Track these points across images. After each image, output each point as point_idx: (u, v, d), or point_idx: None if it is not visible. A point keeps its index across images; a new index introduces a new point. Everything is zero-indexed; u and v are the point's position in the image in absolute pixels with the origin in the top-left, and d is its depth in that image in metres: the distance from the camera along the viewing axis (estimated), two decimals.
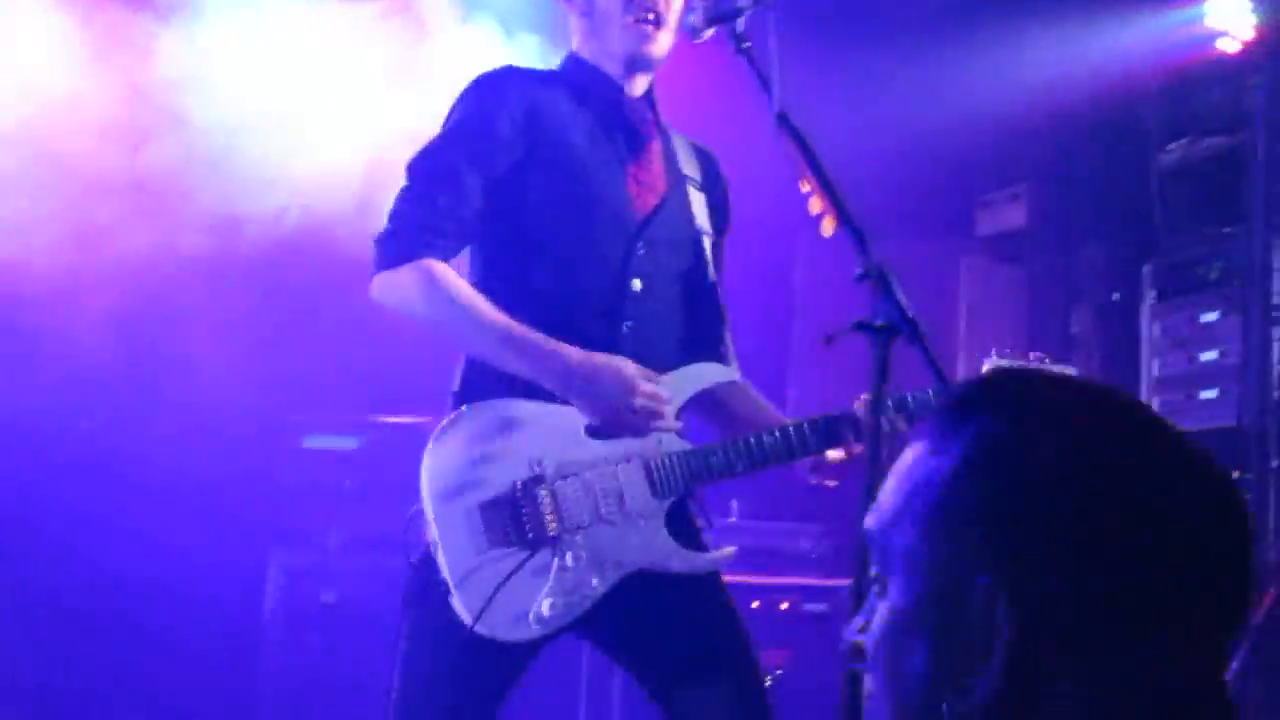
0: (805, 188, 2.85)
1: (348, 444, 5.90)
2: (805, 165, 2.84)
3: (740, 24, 3.05)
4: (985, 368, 3.29)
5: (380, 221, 3.22)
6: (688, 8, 3.22)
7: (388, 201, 3.23)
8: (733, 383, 3.34)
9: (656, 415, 3.06)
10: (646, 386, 3.05)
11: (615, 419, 3.04)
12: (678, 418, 3.15)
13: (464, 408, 3.12)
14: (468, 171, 3.15)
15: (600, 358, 3.05)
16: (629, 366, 3.06)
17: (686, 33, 3.21)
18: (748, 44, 3.02)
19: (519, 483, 3.02)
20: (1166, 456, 1.22)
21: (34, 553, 5.90)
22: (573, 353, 3.04)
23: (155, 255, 5.92)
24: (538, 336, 3.05)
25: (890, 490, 1.29)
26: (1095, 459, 1.20)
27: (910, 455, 1.29)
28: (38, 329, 5.85)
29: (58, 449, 5.94)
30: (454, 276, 3.12)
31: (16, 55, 5.89)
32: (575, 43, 3.37)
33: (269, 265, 6.06)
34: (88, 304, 5.84)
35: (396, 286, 3.12)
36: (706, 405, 3.32)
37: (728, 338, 3.38)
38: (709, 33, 3.20)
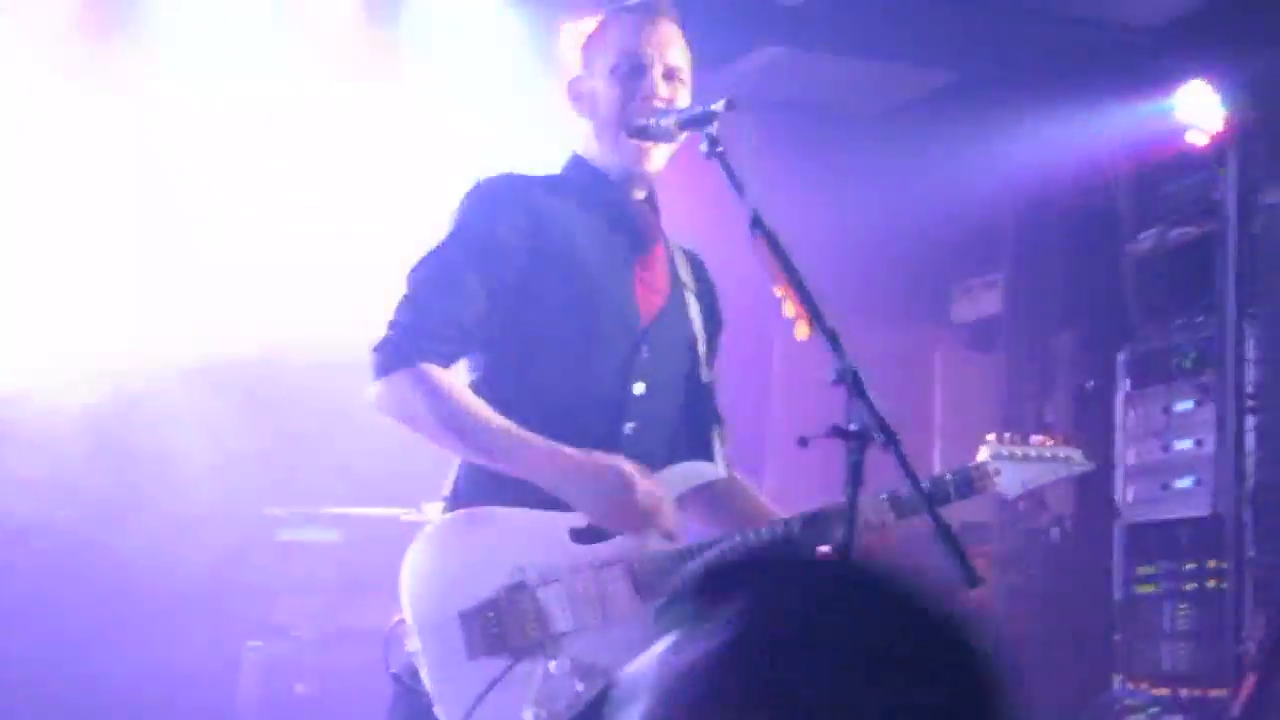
0: (779, 292, 2.87)
1: (327, 536, 5.90)
2: (779, 270, 2.87)
3: (713, 128, 3.06)
4: (983, 452, 3.29)
5: (368, 322, 3.20)
6: (664, 112, 3.22)
7: (381, 301, 3.21)
8: (728, 480, 3.33)
9: (655, 512, 3.05)
10: (645, 483, 3.04)
11: (614, 515, 3.02)
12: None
13: (446, 515, 3.11)
14: (468, 276, 3.13)
15: (599, 455, 3.05)
16: (627, 465, 3.04)
17: (660, 136, 3.22)
18: (720, 148, 3.03)
19: (501, 589, 3.00)
20: (927, 638, 1.20)
21: (9, 646, 5.86)
22: (571, 451, 3.03)
23: (136, 353, 5.95)
24: (535, 437, 3.04)
25: (637, 681, 1.21)
26: (851, 646, 1.17)
27: (656, 645, 1.22)
28: (14, 426, 5.86)
29: (33, 544, 5.93)
30: (447, 379, 3.10)
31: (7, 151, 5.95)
32: (580, 143, 3.36)
33: (247, 363, 6.09)
34: (66, 402, 5.86)
35: (391, 394, 3.09)
36: (701, 503, 3.32)
37: (718, 437, 3.36)
38: (683, 136, 3.23)
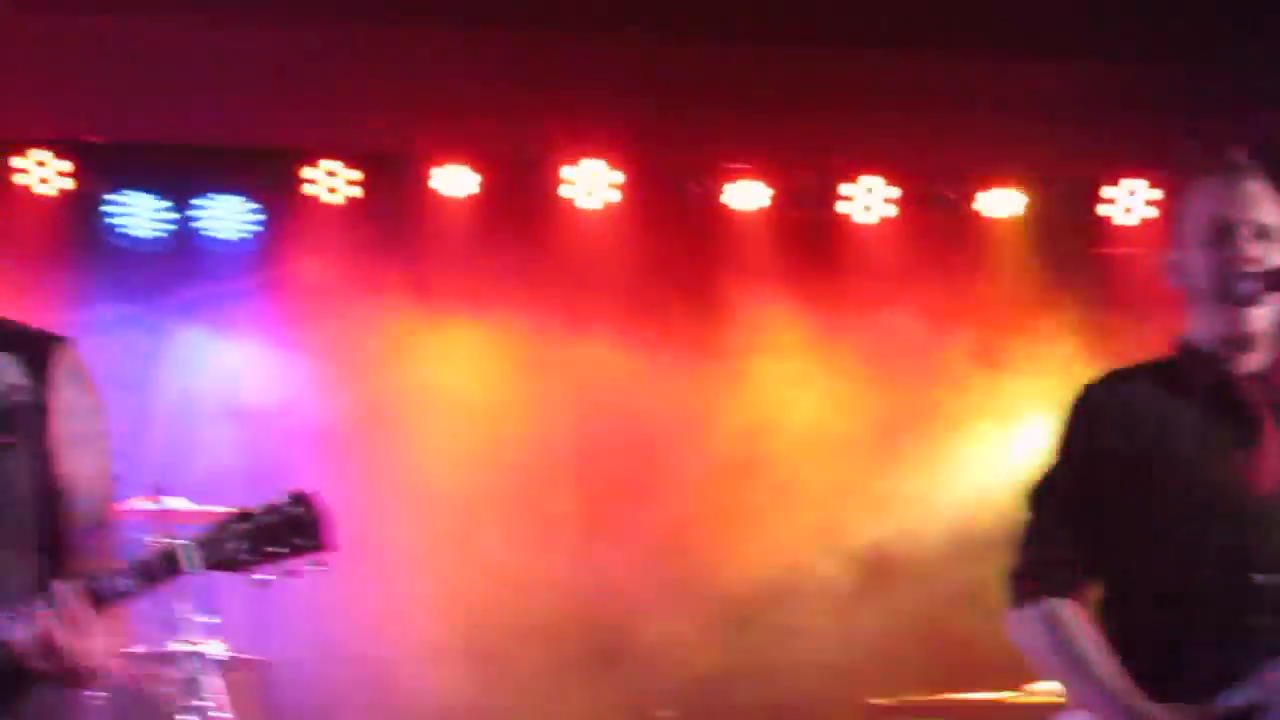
0: None
1: None
2: None
3: None
4: None
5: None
6: (1251, 275, 3.13)
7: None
8: None
9: None
10: None
11: None
12: None
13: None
14: (1084, 499, 3.18)
15: None
16: None
17: (1244, 301, 3.14)
18: None
19: None
20: None
21: None
22: None
23: None
24: (1134, 705, 3.00)
25: None
26: None
27: None
28: None
29: None
30: (1072, 620, 3.13)
31: None
32: (1189, 323, 3.29)
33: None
34: None
35: (1019, 627, 3.18)
36: None
37: None
38: (1272, 298, 3.14)
